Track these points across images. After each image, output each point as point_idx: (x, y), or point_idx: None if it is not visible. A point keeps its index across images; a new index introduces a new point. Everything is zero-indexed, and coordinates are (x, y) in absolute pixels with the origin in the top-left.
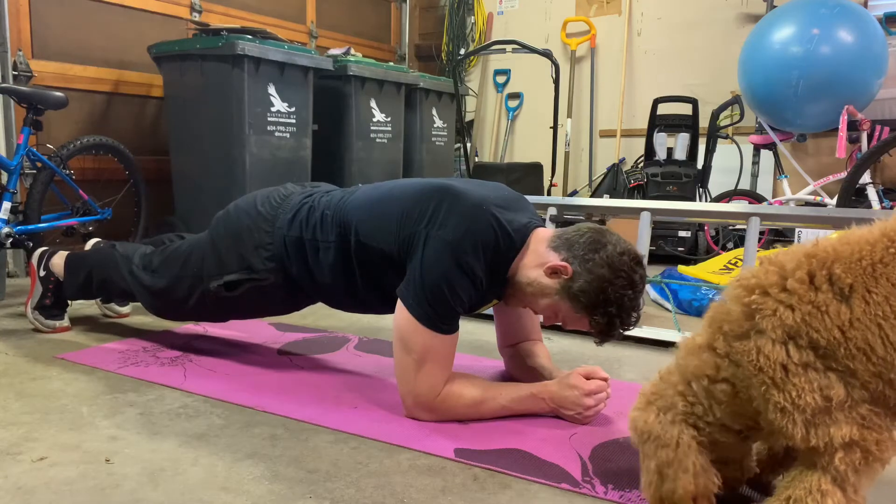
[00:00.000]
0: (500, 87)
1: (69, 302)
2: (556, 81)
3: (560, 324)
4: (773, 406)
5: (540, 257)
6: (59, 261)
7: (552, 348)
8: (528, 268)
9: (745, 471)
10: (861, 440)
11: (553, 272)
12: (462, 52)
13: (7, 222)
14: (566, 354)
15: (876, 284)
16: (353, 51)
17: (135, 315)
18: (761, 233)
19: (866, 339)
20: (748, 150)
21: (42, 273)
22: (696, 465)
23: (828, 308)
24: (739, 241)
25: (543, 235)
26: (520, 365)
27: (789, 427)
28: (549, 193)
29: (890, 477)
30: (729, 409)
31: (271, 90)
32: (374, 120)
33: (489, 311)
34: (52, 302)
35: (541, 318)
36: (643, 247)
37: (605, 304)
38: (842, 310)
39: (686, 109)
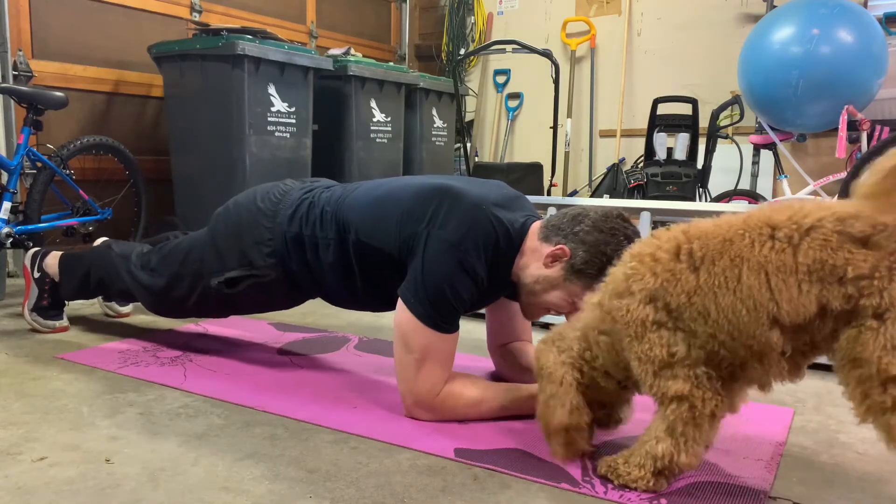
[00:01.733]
0: (500, 87)
1: (66, 302)
2: (556, 81)
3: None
4: (633, 356)
5: (536, 253)
6: (52, 261)
7: None
8: (530, 266)
9: (613, 417)
10: (689, 395)
11: (553, 260)
12: (462, 52)
13: (7, 222)
14: None
15: (720, 258)
16: (353, 51)
17: (135, 315)
18: None
19: (704, 305)
20: (748, 150)
21: (36, 275)
22: (573, 402)
23: (681, 276)
24: None
25: (535, 229)
26: (511, 364)
27: (643, 376)
28: (549, 193)
29: (890, 477)
30: (609, 359)
31: (271, 90)
32: (374, 120)
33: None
34: (50, 303)
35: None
36: None
37: (611, 264)
38: (691, 278)
39: (686, 109)
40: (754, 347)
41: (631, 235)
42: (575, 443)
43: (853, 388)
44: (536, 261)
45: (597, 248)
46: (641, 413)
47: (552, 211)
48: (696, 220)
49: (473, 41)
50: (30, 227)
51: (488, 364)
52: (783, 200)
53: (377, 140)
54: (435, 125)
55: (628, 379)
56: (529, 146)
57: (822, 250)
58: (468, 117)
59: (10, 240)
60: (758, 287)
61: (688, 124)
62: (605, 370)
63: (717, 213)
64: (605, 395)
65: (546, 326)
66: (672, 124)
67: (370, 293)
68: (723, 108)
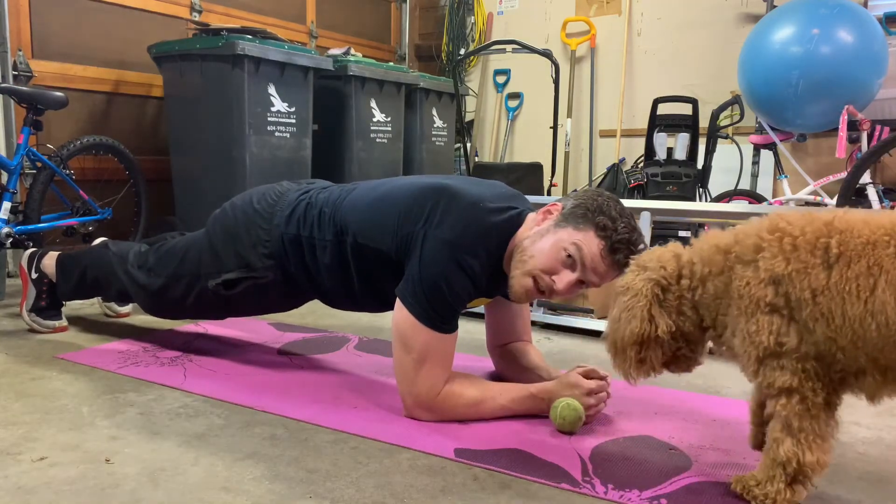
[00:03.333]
0: (500, 87)
1: (64, 302)
2: (556, 81)
3: (572, 286)
4: (739, 331)
5: (528, 228)
6: (50, 262)
7: (552, 348)
8: (521, 236)
9: (694, 358)
10: (798, 387)
11: (544, 216)
12: (462, 52)
13: (7, 222)
14: (566, 354)
15: (857, 262)
16: (353, 51)
17: (135, 315)
18: None
19: (830, 308)
20: (748, 150)
21: (34, 275)
22: (649, 312)
23: (812, 271)
24: None
25: (532, 216)
26: (511, 365)
27: (745, 357)
28: (549, 193)
29: (890, 477)
30: (707, 301)
31: (271, 90)
32: (374, 120)
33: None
34: (48, 303)
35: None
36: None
37: (600, 209)
38: (821, 276)
39: (686, 109)
40: (880, 362)
41: (617, 203)
42: (648, 360)
43: None
44: (529, 228)
45: (586, 197)
46: (643, 422)
47: None
48: (849, 210)
49: (473, 41)
50: (30, 227)
51: (488, 364)
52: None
53: (377, 140)
54: (435, 125)
55: (715, 331)
56: (529, 146)
57: None
58: (468, 117)
59: (10, 240)
60: (893, 305)
61: (688, 124)
62: (695, 305)
63: (718, 213)
64: (686, 325)
65: (547, 327)
66: (672, 124)
67: (368, 294)
68: (723, 108)
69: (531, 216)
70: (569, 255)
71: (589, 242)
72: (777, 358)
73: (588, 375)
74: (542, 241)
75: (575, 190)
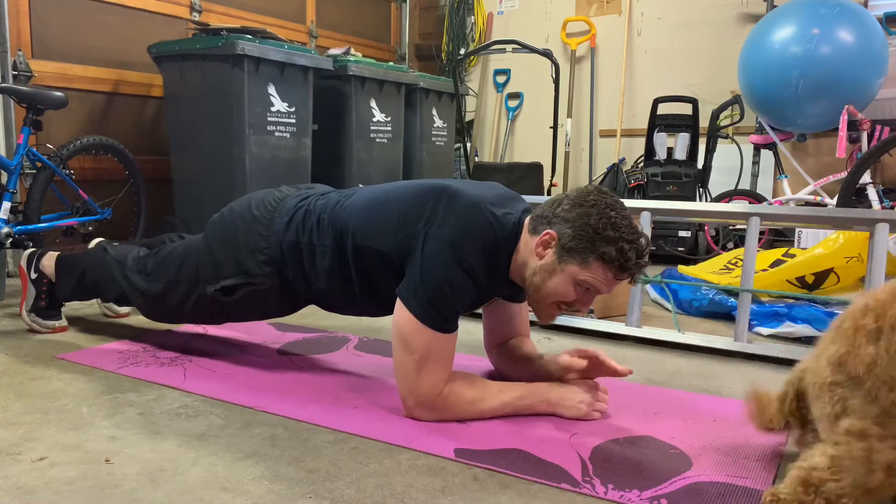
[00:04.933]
0: (500, 87)
1: (64, 302)
2: (556, 81)
3: (592, 301)
4: (816, 416)
5: (528, 246)
6: (49, 262)
7: (552, 348)
8: (528, 260)
9: None
10: (866, 432)
11: (543, 248)
12: (462, 52)
13: (7, 222)
14: None
15: (891, 332)
16: (353, 51)
17: (135, 315)
18: (761, 233)
19: (888, 373)
20: (748, 150)
21: (33, 276)
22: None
23: (860, 349)
24: (740, 241)
25: (526, 224)
26: (510, 359)
27: (823, 432)
28: (549, 193)
29: None
30: None
31: (271, 90)
32: (374, 120)
33: None
34: (48, 303)
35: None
36: None
37: (599, 234)
38: (870, 351)
39: (686, 109)
40: None
41: (612, 204)
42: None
43: None
44: (531, 255)
45: (581, 221)
46: (643, 423)
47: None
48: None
49: (473, 41)
50: (29, 227)
51: (488, 364)
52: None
53: (377, 140)
54: (435, 125)
55: None
56: (529, 146)
57: None
58: (468, 117)
59: (10, 240)
60: None
61: (688, 124)
62: None
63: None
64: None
65: (547, 327)
66: (672, 124)
67: (369, 298)
68: (723, 107)
69: (525, 225)
70: (584, 290)
71: (598, 274)
72: (846, 416)
73: (580, 355)
74: (552, 280)
75: (558, 199)
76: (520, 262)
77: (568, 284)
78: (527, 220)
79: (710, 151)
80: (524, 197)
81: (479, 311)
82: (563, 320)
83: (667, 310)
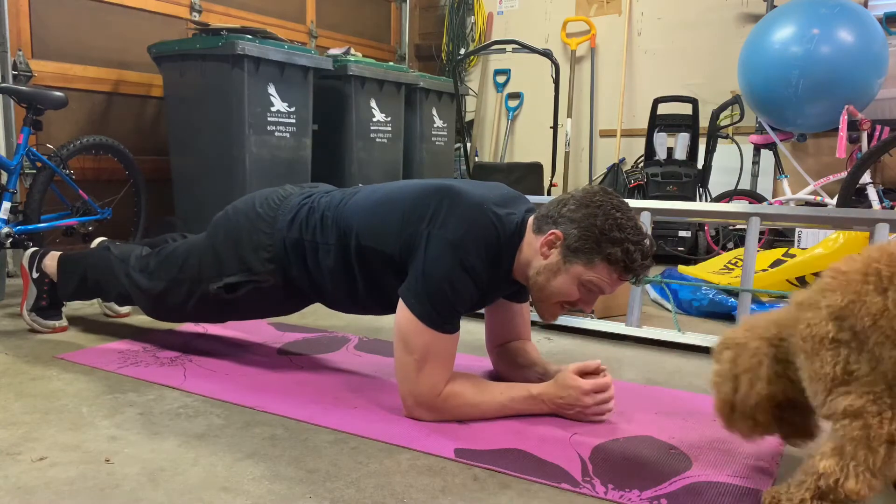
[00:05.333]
0: (500, 87)
1: (65, 302)
2: (556, 81)
3: (595, 301)
4: (806, 375)
5: (531, 246)
6: (51, 262)
7: (552, 348)
8: (532, 260)
9: (811, 425)
10: (863, 411)
11: (548, 247)
12: (462, 52)
13: (7, 222)
14: (567, 354)
15: None
16: (353, 51)
17: (135, 315)
18: (761, 233)
19: (893, 327)
20: (748, 150)
21: (35, 275)
22: (772, 372)
23: (867, 298)
24: (740, 241)
25: (530, 223)
26: (510, 363)
27: (813, 395)
28: (549, 193)
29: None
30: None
31: (271, 90)
32: (374, 120)
33: None
34: (49, 303)
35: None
36: None
37: (605, 235)
38: (877, 300)
39: (686, 109)
40: None
41: (618, 205)
42: (763, 424)
43: None
44: (535, 254)
45: (587, 221)
46: (643, 423)
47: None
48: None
49: (473, 41)
50: (29, 227)
51: (488, 364)
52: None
53: (377, 140)
54: (435, 125)
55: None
56: (529, 146)
57: None
58: (468, 117)
59: (10, 240)
60: None
61: (688, 124)
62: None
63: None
64: (797, 389)
65: (547, 326)
66: (672, 124)
67: (372, 297)
68: (723, 107)
69: (529, 224)
70: (588, 290)
71: (602, 274)
72: (845, 385)
73: (582, 371)
74: (556, 280)
75: (564, 199)
76: (523, 261)
77: (572, 284)
78: (530, 219)
79: (710, 151)
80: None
81: (482, 311)
82: (563, 320)
83: (667, 310)
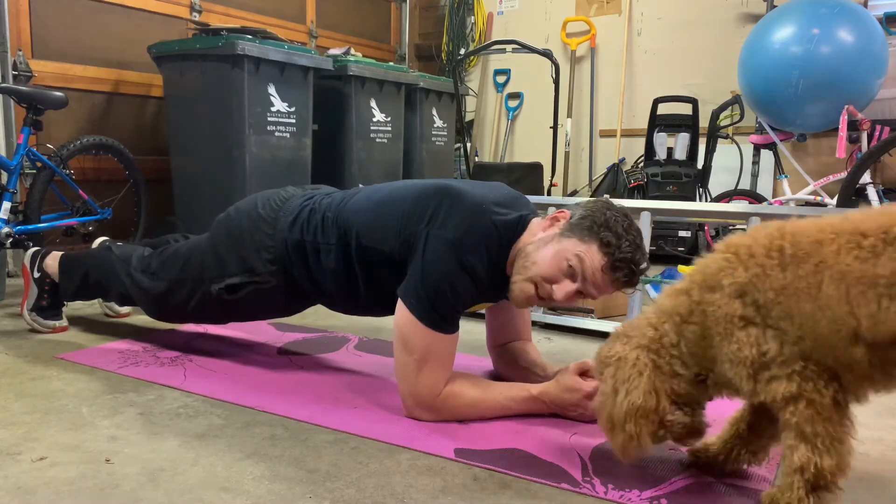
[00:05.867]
0: (500, 87)
1: (65, 302)
2: (556, 81)
3: (572, 291)
4: (724, 356)
5: (533, 233)
6: (52, 262)
7: (552, 348)
8: (526, 239)
9: (699, 422)
10: (800, 391)
11: (551, 222)
12: (462, 52)
13: (7, 222)
14: (566, 354)
15: (806, 261)
16: (353, 51)
17: (135, 315)
18: None
19: (789, 305)
20: (748, 150)
21: (36, 275)
22: (652, 384)
23: (771, 273)
24: None
25: (537, 221)
26: (510, 364)
27: (738, 380)
28: (549, 193)
29: (890, 477)
30: (693, 349)
31: (271, 90)
32: (374, 120)
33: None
34: (49, 303)
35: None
36: None
37: (607, 224)
38: (779, 276)
39: (686, 109)
40: (840, 359)
41: (627, 218)
42: (641, 437)
43: None
44: (534, 234)
45: (596, 213)
46: None
47: (552, 211)
48: (798, 217)
49: (473, 41)
50: (29, 227)
51: (488, 364)
52: (879, 206)
53: (377, 140)
54: (435, 125)
55: (710, 373)
56: (529, 146)
57: None
58: (468, 117)
59: (10, 240)
60: (837, 298)
61: (688, 124)
62: (684, 360)
63: (718, 213)
64: (683, 387)
65: (547, 327)
66: (672, 124)
67: (373, 297)
68: (723, 108)
69: (536, 221)
70: (570, 266)
71: (591, 256)
72: (766, 369)
73: (583, 370)
74: (545, 248)
75: (578, 206)
76: (518, 246)
77: (558, 258)
78: (535, 220)
79: (710, 151)
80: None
81: (482, 311)
82: (563, 320)
83: None
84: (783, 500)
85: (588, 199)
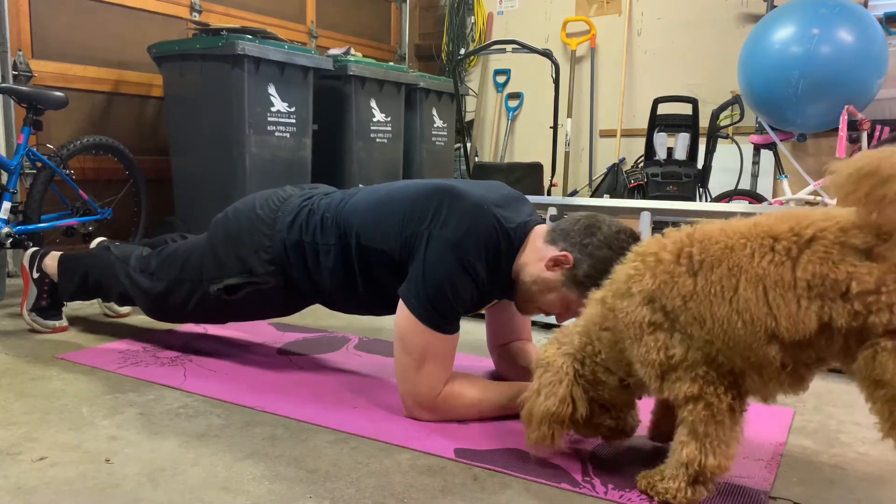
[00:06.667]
0: (500, 87)
1: (65, 302)
2: (556, 81)
3: (575, 319)
4: (635, 359)
5: (538, 252)
6: (51, 262)
7: None
8: (530, 265)
9: (625, 423)
10: (701, 393)
11: (555, 264)
12: (462, 52)
13: (7, 222)
14: None
15: (718, 266)
16: (353, 51)
17: (135, 315)
18: None
19: (700, 311)
20: (748, 150)
21: (35, 275)
22: (568, 393)
23: (679, 279)
24: None
25: (540, 231)
26: (511, 364)
27: (648, 380)
28: (549, 193)
29: (890, 477)
30: (611, 354)
31: (271, 90)
32: (374, 120)
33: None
34: (49, 303)
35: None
36: None
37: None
38: (688, 282)
39: (686, 109)
40: (751, 359)
41: (627, 242)
42: (551, 437)
43: (879, 406)
44: (537, 261)
45: (602, 264)
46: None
47: (552, 211)
48: (706, 221)
49: (473, 41)
50: (30, 227)
51: (488, 364)
52: (792, 207)
53: (377, 140)
54: (435, 125)
55: (630, 377)
56: (529, 146)
57: (823, 264)
58: (468, 117)
59: (10, 240)
60: (755, 301)
61: (688, 124)
62: (607, 366)
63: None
64: (607, 392)
65: (547, 327)
66: (672, 124)
67: (373, 297)
68: (723, 108)
69: (538, 231)
70: (570, 312)
71: None
72: (673, 371)
73: None
74: (548, 295)
75: (593, 228)
76: (522, 263)
77: (560, 304)
78: (544, 228)
79: (710, 151)
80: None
81: (482, 311)
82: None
83: None
84: (660, 485)
85: (595, 228)
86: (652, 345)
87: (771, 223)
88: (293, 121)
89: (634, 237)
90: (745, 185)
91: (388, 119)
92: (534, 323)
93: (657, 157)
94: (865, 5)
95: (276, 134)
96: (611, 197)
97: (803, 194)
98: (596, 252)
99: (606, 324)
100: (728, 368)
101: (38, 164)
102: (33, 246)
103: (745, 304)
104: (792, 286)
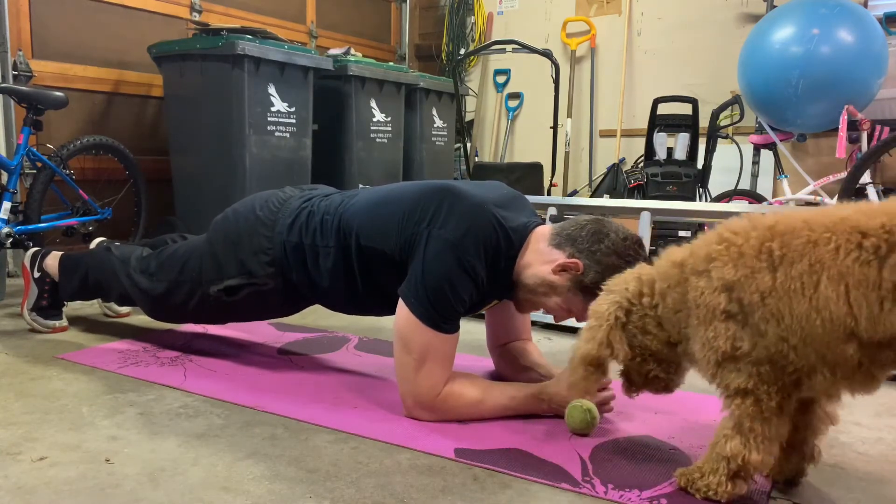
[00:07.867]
0: (500, 87)
1: (65, 302)
2: (556, 81)
3: (573, 319)
4: (698, 339)
5: (542, 255)
6: (52, 262)
7: (552, 348)
8: (534, 267)
9: (671, 379)
10: (753, 389)
11: (562, 269)
12: (462, 52)
13: (7, 222)
14: (566, 354)
15: (800, 261)
16: (353, 51)
17: (135, 315)
18: None
19: (778, 308)
20: (748, 150)
21: (36, 275)
22: (606, 335)
23: (758, 275)
24: None
25: (543, 233)
26: (511, 364)
27: (705, 363)
28: (549, 193)
29: (890, 477)
30: (667, 315)
31: (271, 90)
32: (374, 120)
33: None
34: (49, 303)
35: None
36: None
37: None
38: (767, 278)
39: (686, 109)
40: (827, 357)
41: (636, 253)
42: (587, 379)
43: None
44: (542, 264)
45: (610, 271)
46: (643, 422)
47: (552, 211)
48: (792, 210)
49: (473, 41)
50: (30, 227)
51: (488, 364)
52: (882, 202)
53: (377, 140)
54: (435, 125)
55: (680, 344)
56: (529, 146)
57: None
58: (468, 117)
59: (10, 240)
60: (835, 299)
61: (688, 124)
62: (659, 321)
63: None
64: (654, 344)
65: (547, 327)
66: (672, 124)
67: (373, 298)
68: (723, 107)
69: (539, 232)
70: (570, 314)
71: None
72: (734, 361)
73: None
74: (552, 298)
75: (600, 234)
76: (524, 264)
77: (563, 307)
78: (545, 229)
79: (709, 151)
80: (526, 197)
81: (482, 311)
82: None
83: None
84: (700, 482)
85: (603, 234)
86: (722, 332)
87: (860, 218)
88: (293, 121)
89: (640, 244)
90: (744, 185)
91: (388, 119)
92: (534, 323)
93: (657, 157)
94: (865, 5)
95: (276, 134)
96: (611, 197)
97: (803, 194)
98: (604, 259)
99: (677, 289)
100: (795, 367)
101: (38, 164)
102: (33, 246)
103: (826, 301)
104: (877, 286)
